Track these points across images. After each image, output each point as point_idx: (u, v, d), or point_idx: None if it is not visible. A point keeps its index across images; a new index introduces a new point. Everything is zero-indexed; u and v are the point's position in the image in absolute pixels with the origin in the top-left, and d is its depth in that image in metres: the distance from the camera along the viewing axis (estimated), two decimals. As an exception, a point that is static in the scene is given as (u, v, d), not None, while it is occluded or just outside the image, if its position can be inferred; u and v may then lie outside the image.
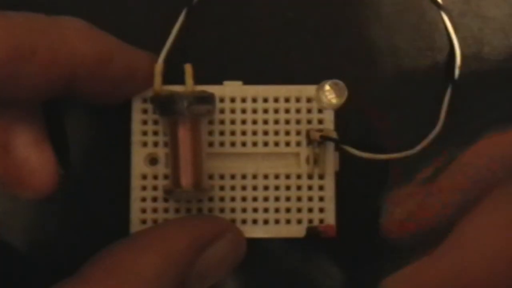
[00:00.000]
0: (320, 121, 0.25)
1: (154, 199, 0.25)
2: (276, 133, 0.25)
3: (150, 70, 0.24)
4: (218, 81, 0.25)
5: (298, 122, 0.25)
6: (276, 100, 0.25)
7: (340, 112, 0.25)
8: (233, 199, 0.25)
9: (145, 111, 0.25)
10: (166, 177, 0.25)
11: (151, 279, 0.22)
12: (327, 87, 0.24)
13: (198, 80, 0.24)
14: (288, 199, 0.25)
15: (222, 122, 0.25)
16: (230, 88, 0.25)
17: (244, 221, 0.25)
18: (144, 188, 0.25)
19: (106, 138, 0.26)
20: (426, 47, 0.27)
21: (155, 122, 0.25)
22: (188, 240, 0.23)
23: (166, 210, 0.25)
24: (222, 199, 0.25)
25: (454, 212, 0.25)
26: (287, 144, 0.25)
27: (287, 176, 0.25)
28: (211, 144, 0.25)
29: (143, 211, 0.25)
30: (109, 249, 0.23)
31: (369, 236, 0.26)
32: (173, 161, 0.24)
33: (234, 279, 0.26)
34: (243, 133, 0.25)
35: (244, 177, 0.25)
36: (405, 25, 0.27)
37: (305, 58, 0.27)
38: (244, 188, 0.25)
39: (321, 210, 0.25)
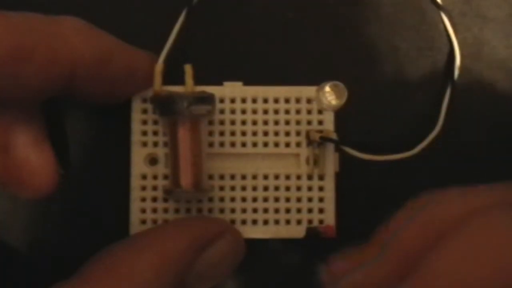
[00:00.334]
0: (320, 122, 0.25)
1: (154, 199, 0.25)
2: (276, 133, 0.25)
3: (150, 70, 0.24)
4: (218, 82, 0.25)
5: (298, 123, 0.25)
6: (276, 100, 0.25)
7: (340, 113, 0.25)
8: (233, 199, 0.25)
9: (145, 111, 0.25)
10: (166, 177, 0.25)
11: (150, 279, 0.22)
12: (327, 89, 0.24)
13: (198, 81, 0.24)
14: (287, 199, 0.25)
15: (222, 122, 0.25)
16: (230, 89, 0.25)
17: (243, 222, 0.25)
18: (143, 188, 0.25)
19: (106, 138, 0.26)
20: (426, 47, 0.27)
21: (155, 122, 0.25)
22: (187, 240, 0.23)
23: (165, 210, 0.25)
24: (222, 199, 0.25)
25: None
26: (287, 144, 0.25)
27: (287, 177, 0.25)
28: (211, 145, 0.25)
29: (143, 211, 0.25)
30: (109, 250, 0.23)
31: (369, 237, 0.26)
32: (173, 161, 0.24)
33: (234, 279, 0.26)
34: (243, 133, 0.25)
35: (244, 177, 0.25)
36: (405, 26, 0.27)
37: (305, 59, 0.27)
38: (244, 188, 0.25)
39: (321, 210, 0.25)
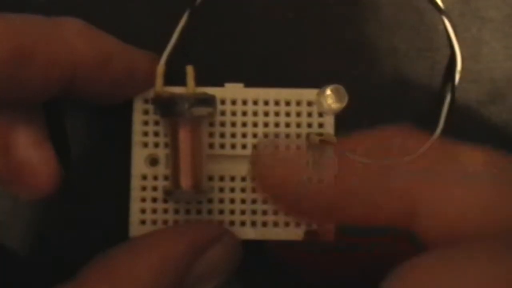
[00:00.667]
0: (320, 125, 0.25)
1: (154, 200, 0.25)
2: (276, 136, 0.25)
3: (150, 70, 0.24)
4: (220, 83, 0.25)
5: (298, 125, 0.25)
6: (277, 103, 0.25)
7: (339, 115, 0.25)
8: (232, 201, 0.25)
9: (146, 112, 0.25)
10: (166, 178, 0.25)
11: (149, 282, 0.22)
12: (328, 92, 0.24)
13: (199, 82, 0.24)
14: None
15: (222, 124, 0.25)
16: (231, 90, 0.25)
17: (243, 223, 0.25)
18: (144, 188, 0.25)
19: (107, 138, 0.26)
20: (425, 48, 0.27)
21: (156, 123, 0.25)
22: (186, 244, 0.23)
23: (165, 211, 0.25)
24: (221, 201, 0.25)
25: None
26: (287, 147, 0.25)
27: (287, 179, 0.25)
28: (211, 146, 0.25)
29: (143, 211, 0.25)
30: (107, 253, 0.23)
31: (368, 240, 0.26)
32: (173, 162, 0.24)
33: (233, 281, 0.26)
34: (244, 135, 0.25)
35: (243, 179, 0.25)
36: (404, 27, 0.27)
37: (306, 60, 0.27)
38: (243, 190, 0.25)
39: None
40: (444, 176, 0.23)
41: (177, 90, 0.25)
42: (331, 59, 0.27)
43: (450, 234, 0.22)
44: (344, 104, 0.24)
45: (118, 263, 0.22)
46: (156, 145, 0.25)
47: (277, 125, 0.25)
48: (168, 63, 0.25)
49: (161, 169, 0.25)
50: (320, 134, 0.25)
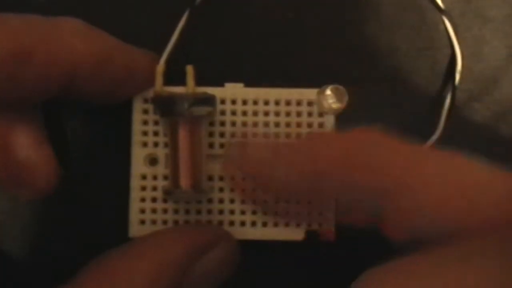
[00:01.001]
0: (321, 125, 0.25)
1: (154, 200, 0.25)
2: (277, 136, 0.25)
3: (150, 70, 0.24)
4: (220, 83, 0.25)
5: (298, 125, 0.25)
6: (277, 103, 0.25)
7: (340, 115, 0.25)
8: (232, 201, 0.25)
9: (146, 112, 0.25)
10: (165, 177, 0.25)
11: (146, 286, 0.22)
12: (328, 92, 0.24)
13: (199, 82, 0.24)
14: (287, 201, 0.25)
15: (222, 124, 0.25)
16: (231, 90, 0.25)
17: (242, 223, 0.25)
18: (143, 188, 0.25)
19: (106, 138, 0.26)
20: (426, 47, 0.27)
21: (156, 123, 0.25)
22: (183, 248, 0.23)
23: (165, 211, 0.25)
24: (221, 200, 0.25)
25: None
26: (287, 146, 0.25)
27: (287, 179, 0.25)
28: (211, 146, 0.25)
29: (142, 211, 0.25)
30: (104, 256, 0.23)
31: (369, 240, 0.26)
32: (172, 162, 0.24)
33: (232, 282, 0.26)
34: (244, 135, 0.25)
35: (243, 179, 0.25)
36: (404, 26, 0.27)
37: (306, 60, 0.27)
38: (243, 190, 0.25)
39: (320, 213, 0.25)
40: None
41: (177, 89, 0.25)
42: (331, 58, 0.27)
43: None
44: (344, 103, 0.24)
45: (117, 265, 0.22)
46: (156, 144, 0.25)
47: (277, 125, 0.25)
48: (168, 62, 0.25)
49: (161, 169, 0.25)
50: (320, 134, 0.25)
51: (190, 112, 0.23)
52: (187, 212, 0.25)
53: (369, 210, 0.22)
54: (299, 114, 0.25)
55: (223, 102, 0.25)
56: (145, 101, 0.25)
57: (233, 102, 0.25)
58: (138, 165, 0.25)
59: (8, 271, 0.26)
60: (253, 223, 0.25)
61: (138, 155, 0.25)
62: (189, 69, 0.24)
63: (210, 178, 0.25)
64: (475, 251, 0.19)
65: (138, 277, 0.22)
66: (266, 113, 0.25)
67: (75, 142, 0.26)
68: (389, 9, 0.27)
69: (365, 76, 0.27)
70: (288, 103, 0.25)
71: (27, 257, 0.26)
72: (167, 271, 0.22)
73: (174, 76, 0.25)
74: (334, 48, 0.27)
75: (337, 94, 0.24)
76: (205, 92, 0.24)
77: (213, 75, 0.25)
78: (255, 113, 0.25)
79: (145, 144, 0.25)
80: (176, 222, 0.25)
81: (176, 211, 0.25)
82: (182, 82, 0.24)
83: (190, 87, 0.24)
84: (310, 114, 0.25)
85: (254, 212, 0.25)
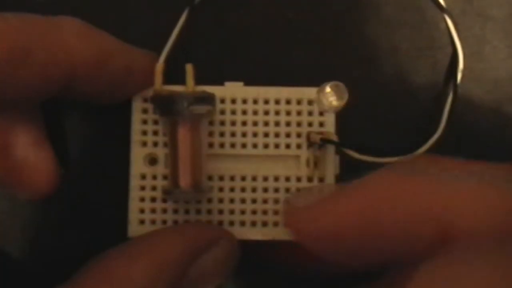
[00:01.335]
0: (321, 124, 0.25)
1: (153, 200, 0.25)
2: (277, 135, 0.25)
3: (150, 70, 0.24)
4: (219, 82, 0.25)
5: (299, 124, 0.25)
6: (277, 101, 0.25)
7: (340, 115, 0.25)
8: (232, 200, 0.25)
9: (145, 111, 0.25)
10: (165, 177, 0.25)
11: (144, 286, 0.22)
12: (327, 89, 0.24)
13: (199, 81, 0.24)
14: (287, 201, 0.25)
15: (222, 123, 0.25)
16: (231, 89, 0.25)
17: (242, 223, 0.25)
18: (143, 188, 0.25)
19: (106, 137, 0.26)
20: (427, 47, 0.27)
21: (155, 122, 0.25)
22: (182, 247, 0.23)
23: (164, 211, 0.25)
24: (221, 200, 0.25)
25: None
26: (288, 146, 0.25)
27: (287, 179, 0.25)
28: (211, 145, 0.25)
29: (142, 211, 0.25)
30: (102, 256, 0.22)
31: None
32: (172, 161, 0.24)
33: (233, 282, 0.26)
34: (244, 134, 0.25)
35: (243, 178, 0.25)
36: (405, 25, 0.27)
37: (307, 59, 0.26)
38: (243, 189, 0.25)
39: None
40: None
41: (177, 88, 0.24)
42: (331, 58, 0.27)
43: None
44: (344, 101, 0.24)
45: (115, 265, 0.22)
46: (155, 144, 0.25)
47: (277, 124, 0.25)
48: (168, 62, 0.24)
49: (160, 169, 0.25)
50: (321, 133, 0.25)
51: (190, 110, 0.23)
52: (187, 212, 0.25)
53: None
54: (299, 113, 0.25)
55: (223, 101, 0.25)
56: (145, 100, 0.25)
57: (233, 101, 0.25)
58: (137, 164, 0.25)
59: (7, 271, 0.26)
60: (253, 223, 0.25)
61: (137, 154, 0.25)
62: (189, 68, 0.24)
63: (210, 178, 0.25)
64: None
65: (137, 276, 0.22)
66: (266, 112, 0.25)
67: (75, 142, 0.26)
68: (390, 8, 0.27)
69: (366, 75, 0.27)
70: (288, 102, 0.25)
71: (26, 257, 0.26)
72: (166, 270, 0.22)
73: (173, 75, 0.25)
74: (334, 48, 0.27)
75: (337, 91, 0.24)
76: (204, 91, 0.24)
77: (212, 74, 0.25)
78: (255, 112, 0.25)
79: (144, 144, 0.25)
80: (175, 222, 0.25)
81: (175, 211, 0.25)
82: (181, 81, 0.24)
83: (189, 86, 0.24)
84: (310, 113, 0.25)
85: (254, 212, 0.25)
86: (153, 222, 0.25)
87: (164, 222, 0.25)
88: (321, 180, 0.25)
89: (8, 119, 0.24)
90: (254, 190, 0.25)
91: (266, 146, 0.25)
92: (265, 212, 0.25)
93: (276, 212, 0.25)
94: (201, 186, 0.24)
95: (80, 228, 0.26)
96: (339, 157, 0.25)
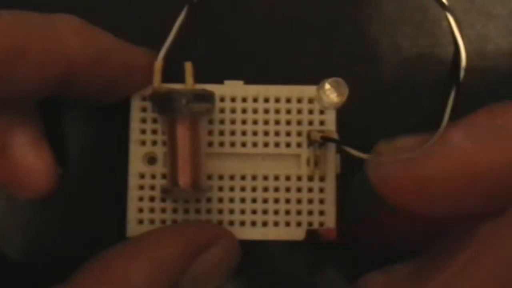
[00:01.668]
0: (322, 122, 0.25)
1: (152, 199, 0.25)
2: (277, 133, 0.25)
3: (148, 68, 0.24)
4: (219, 80, 0.25)
5: (299, 123, 0.25)
6: (277, 100, 0.25)
7: (341, 113, 0.25)
8: (231, 200, 0.25)
9: (144, 109, 0.25)
10: (164, 176, 0.25)
11: (143, 286, 0.21)
12: (327, 86, 0.24)
13: (198, 79, 0.24)
14: (287, 201, 0.25)
15: (222, 121, 0.25)
16: (231, 88, 0.25)
17: (242, 223, 0.25)
18: (141, 187, 0.25)
19: (105, 136, 0.26)
20: (429, 44, 0.27)
21: (154, 121, 0.25)
22: (181, 246, 0.23)
23: (163, 210, 0.25)
24: (220, 200, 0.25)
25: None
26: (288, 145, 0.25)
27: (287, 178, 0.25)
28: (210, 144, 0.25)
29: (140, 210, 0.25)
30: (101, 256, 0.22)
31: (370, 240, 0.25)
32: (171, 160, 0.24)
33: (231, 283, 0.26)
34: (243, 133, 0.25)
35: (243, 178, 0.25)
36: (407, 23, 0.27)
37: (307, 57, 0.26)
38: (243, 189, 0.25)
39: (321, 213, 0.25)
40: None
41: (176, 87, 0.24)
42: (333, 56, 0.26)
43: None
44: (345, 97, 0.23)
45: (113, 265, 0.22)
46: (154, 143, 0.25)
47: (277, 122, 0.25)
48: (167, 60, 0.24)
49: (159, 168, 0.25)
50: (322, 131, 0.25)
51: (188, 108, 0.23)
52: (186, 211, 0.25)
53: None
54: (299, 111, 0.25)
55: (222, 99, 0.25)
56: (143, 99, 0.25)
57: (233, 99, 0.25)
58: (136, 163, 0.25)
59: (5, 272, 0.26)
60: (253, 223, 0.25)
61: (136, 153, 0.25)
62: (188, 66, 0.24)
63: (210, 177, 0.25)
64: None
65: (136, 276, 0.22)
66: (266, 111, 0.25)
67: (73, 141, 0.26)
68: (391, 6, 0.27)
69: (368, 74, 0.26)
70: (288, 100, 0.25)
71: (25, 257, 0.26)
72: (165, 270, 0.22)
73: (173, 74, 0.24)
74: (335, 46, 0.27)
75: (337, 88, 0.23)
76: (203, 89, 0.24)
77: (212, 73, 0.25)
78: (255, 111, 0.25)
79: (143, 143, 0.25)
80: (174, 222, 0.25)
81: (174, 211, 0.25)
82: (180, 80, 0.24)
83: (188, 84, 0.24)
84: (311, 112, 0.25)
85: (254, 212, 0.25)
86: (152, 221, 0.25)
87: (163, 221, 0.25)
88: (321, 179, 0.25)
89: (6, 119, 0.24)
90: (254, 189, 0.25)
91: (266, 145, 0.25)
92: (265, 212, 0.25)
93: (276, 212, 0.25)
94: (201, 185, 0.24)
95: (78, 228, 0.26)
96: (340, 156, 0.25)
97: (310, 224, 0.25)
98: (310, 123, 0.25)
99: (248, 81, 0.25)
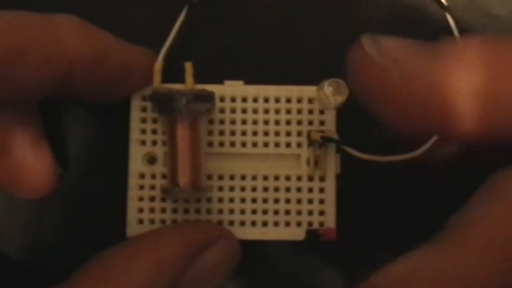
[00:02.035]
0: (322, 122, 0.25)
1: (152, 199, 0.25)
2: (277, 133, 0.25)
3: (148, 68, 0.24)
4: (219, 81, 0.25)
5: (299, 123, 0.25)
6: (277, 100, 0.25)
7: (341, 114, 0.25)
8: (231, 200, 0.25)
9: (144, 109, 0.25)
10: (164, 176, 0.25)
11: (143, 286, 0.21)
12: (327, 86, 0.24)
13: (199, 79, 0.24)
14: (287, 201, 0.25)
15: (222, 121, 0.25)
16: (231, 88, 0.25)
17: (242, 223, 0.25)
18: (141, 187, 0.25)
19: (105, 136, 0.26)
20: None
21: (154, 121, 0.25)
22: (181, 246, 0.23)
23: (163, 210, 0.25)
24: (220, 200, 0.25)
25: None
26: (288, 145, 0.25)
27: (287, 178, 0.25)
28: (210, 144, 0.25)
29: (140, 210, 0.25)
30: (101, 256, 0.22)
31: (370, 239, 0.25)
32: (171, 160, 0.24)
33: (231, 283, 0.26)
34: (243, 133, 0.25)
35: (243, 178, 0.25)
36: (406, 23, 0.27)
37: (307, 57, 0.26)
38: (243, 189, 0.25)
39: (321, 212, 0.25)
40: None
41: (176, 87, 0.24)
42: (332, 56, 0.26)
43: None
44: (344, 97, 0.23)
45: (113, 265, 0.22)
46: (154, 143, 0.25)
47: (277, 122, 0.25)
48: (167, 60, 0.24)
49: (159, 168, 0.25)
50: (321, 131, 0.25)
51: (188, 108, 0.23)
52: (186, 211, 0.25)
53: None
54: (299, 111, 0.25)
55: (222, 100, 0.25)
56: (144, 98, 0.25)
57: (233, 99, 0.25)
58: (136, 163, 0.25)
59: (5, 272, 0.26)
60: (253, 223, 0.25)
61: (136, 153, 0.25)
62: (188, 66, 0.24)
63: (209, 177, 0.25)
64: None
65: (135, 276, 0.22)
66: (266, 111, 0.25)
67: (73, 141, 0.26)
68: (391, 5, 0.27)
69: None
70: (288, 100, 0.25)
71: (25, 257, 0.26)
72: (165, 270, 0.22)
73: (173, 75, 0.24)
74: (335, 46, 0.26)
75: (336, 88, 0.24)
76: (203, 89, 0.24)
77: (212, 73, 0.25)
78: (255, 111, 0.25)
79: (143, 143, 0.25)
80: (174, 222, 0.25)
81: (174, 211, 0.25)
82: (181, 80, 0.24)
83: (188, 84, 0.24)
84: (311, 112, 0.25)
85: (254, 212, 0.25)
86: (152, 221, 0.25)
87: (163, 221, 0.25)
88: (321, 179, 0.25)
89: (6, 119, 0.24)
90: (254, 189, 0.25)
91: (266, 145, 0.25)
92: (265, 212, 0.25)
93: (276, 212, 0.25)
94: (200, 185, 0.24)
95: (78, 228, 0.26)
96: (340, 156, 0.25)
97: (310, 224, 0.25)
98: (310, 123, 0.25)
99: (248, 81, 0.25)
